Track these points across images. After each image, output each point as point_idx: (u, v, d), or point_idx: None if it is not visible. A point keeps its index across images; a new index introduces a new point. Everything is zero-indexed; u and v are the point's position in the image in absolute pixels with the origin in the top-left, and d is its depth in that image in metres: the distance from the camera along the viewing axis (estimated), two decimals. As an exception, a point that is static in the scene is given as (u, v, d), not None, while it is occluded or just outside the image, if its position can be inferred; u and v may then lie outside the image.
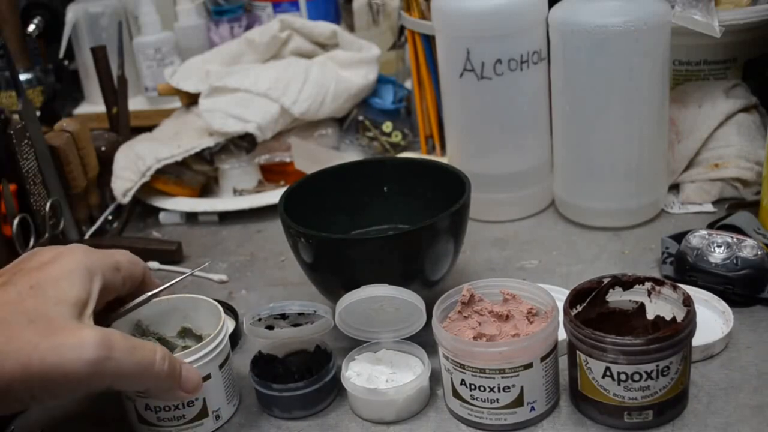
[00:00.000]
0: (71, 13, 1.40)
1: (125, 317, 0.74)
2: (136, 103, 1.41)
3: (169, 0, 1.44)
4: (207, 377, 0.72)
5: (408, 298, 0.74)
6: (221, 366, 0.74)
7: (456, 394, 0.71)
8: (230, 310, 0.90)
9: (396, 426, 0.73)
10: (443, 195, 0.84)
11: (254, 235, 1.10)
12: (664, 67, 0.94)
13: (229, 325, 0.88)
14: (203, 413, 0.73)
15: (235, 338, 0.87)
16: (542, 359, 0.68)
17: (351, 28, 1.43)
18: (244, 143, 1.18)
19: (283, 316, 0.76)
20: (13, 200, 0.96)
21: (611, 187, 0.99)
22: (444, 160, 1.10)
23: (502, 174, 1.04)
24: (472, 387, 0.69)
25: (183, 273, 0.76)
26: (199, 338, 0.78)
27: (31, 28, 1.40)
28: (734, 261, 0.82)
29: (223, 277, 0.99)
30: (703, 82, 1.10)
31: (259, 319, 0.75)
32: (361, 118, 1.24)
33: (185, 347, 0.78)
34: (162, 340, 0.78)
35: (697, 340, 0.72)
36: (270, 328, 0.77)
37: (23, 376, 0.57)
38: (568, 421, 0.71)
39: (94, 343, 0.59)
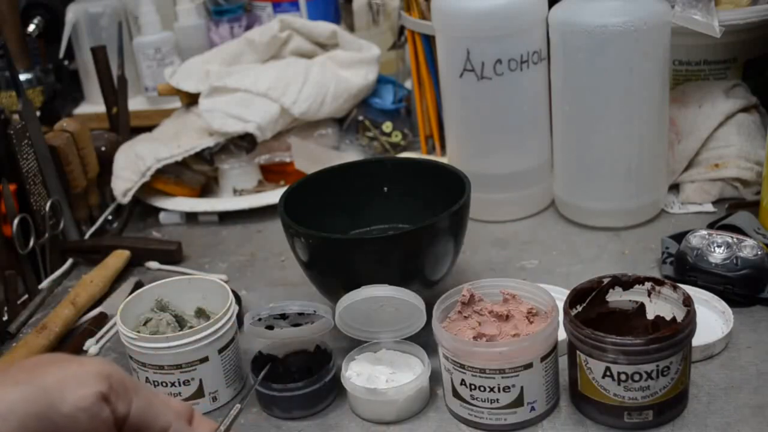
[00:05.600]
0: (71, 13, 1.40)
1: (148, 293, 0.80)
2: (136, 103, 1.41)
3: (169, 0, 1.44)
4: (205, 359, 0.75)
5: (408, 298, 0.74)
6: (221, 351, 0.76)
7: (456, 394, 0.71)
8: (235, 297, 0.91)
9: (396, 426, 0.73)
10: (443, 195, 0.84)
11: (254, 235, 1.10)
12: (664, 67, 0.94)
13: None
14: (199, 393, 0.76)
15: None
16: (542, 359, 0.68)
17: (351, 28, 1.43)
18: (244, 143, 1.18)
19: (283, 316, 0.76)
20: (13, 200, 0.96)
21: (611, 187, 0.99)
22: (444, 160, 1.10)
23: (502, 174, 1.04)
24: (472, 387, 0.69)
25: (183, 273, 0.78)
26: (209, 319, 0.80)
27: (31, 28, 1.40)
28: (734, 261, 0.82)
29: (223, 277, 0.99)
30: (703, 82, 1.10)
31: (259, 319, 0.75)
32: (361, 118, 1.24)
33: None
34: (179, 318, 0.81)
35: (697, 340, 0.72)
36: (270, 328, 0.77)
37: None
38: (568, 421, 0.71)
39: None
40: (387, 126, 1.23)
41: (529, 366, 0.68)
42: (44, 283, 1.00)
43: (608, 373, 0.67)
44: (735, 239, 0.84)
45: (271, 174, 1.21)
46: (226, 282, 0.99)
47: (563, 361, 0.73)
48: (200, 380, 0.76)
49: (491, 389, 0.69)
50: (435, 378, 0.75)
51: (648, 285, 0.73)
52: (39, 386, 0.41)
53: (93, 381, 0.41)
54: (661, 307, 0.73)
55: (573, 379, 0.71)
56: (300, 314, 0.76)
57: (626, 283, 0.74)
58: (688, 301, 0.69)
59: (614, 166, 0.98)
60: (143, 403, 0.43)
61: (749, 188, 1.01)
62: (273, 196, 1.13)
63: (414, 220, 0.88)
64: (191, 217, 1.15)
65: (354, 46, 1.26)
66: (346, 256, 0.79)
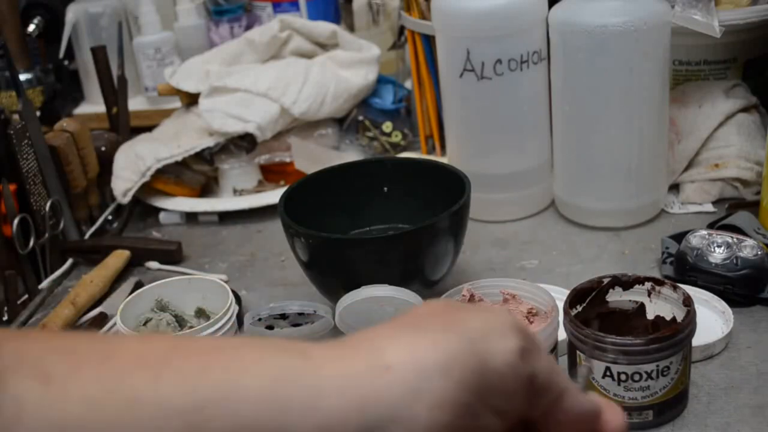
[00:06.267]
0: (71, 13, 1.40)
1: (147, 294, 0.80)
2: (136, 103, 1.40)
3: (169, 0, 1.44)
4: None
5: (408, 298, 0.74)
6: None
7: (456, 394, 0.71)
8: (235, 297, 0.91)
9: (396, 426, 0.73)
10: (443, 195, 0.84)
11: (254, 235, 1.10)
12: (664, 67, 0.94)
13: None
14: None
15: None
16: (542, 359, 0.68)
17: (351, 28, 1.43)
18: (244, 143, 1.18)
19: (283, 316, 0.76)
20: (13, 200, 0.96)
21: (611, 187, 0.99)
22: (444, 160, 1.10)
23: (502, 174, 1.04)
24: (472, 387, 0.69)
25: (183, 273, 0.78)
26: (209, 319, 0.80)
27: (31, 28, 1.40)
28: (734, 261, 0.82)
29: (223, 277, 0.99)
30: (703, 82, 1.10)
31: (259, 319, 0.76)
32: (361, 118, 1.24)
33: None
34: (179, 318, 0.81)
35: (697, 340, 0.72)
36: (270, 328, 0.77)
37: None
38: (568, 421, 0.71)
39: None
40: (387, 126, 1.23)
41: (529, 366, 0.68)
42: (44, 283, 1.00)
43: (608, 373, 0.67)
44: (735, 239, 0.84)
45: (271, 174, 1.21)
46: (226, 282, 0.99)
47: (563, 361, 0.72)
48: None
49: (491, 389, 0.68)
50: (435, 378, 0.75)
51: (648, 285, 0.73)
52: (468, 337, 0.34)
53: (514, 334, 0.35)
54: (661, 307, 0.73)
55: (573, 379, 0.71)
56: (300, 314, 0.76)
57: (626, 283, 0.73)
58: (688, 301, 0.69)
59: (614, 166, 0.98)
60: (548, 361, 0.37)
61: (749, 188, 1.01)
62: (273, 196, 1.13)
63: (414, 220, 0.88)
64: (191, 217, 1.15)
65: (354, 46, 1.25)
66: (346, 256, 0.79)
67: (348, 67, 1.23)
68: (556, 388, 0.37)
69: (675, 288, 0.71)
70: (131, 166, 1.13)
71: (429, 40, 1.13)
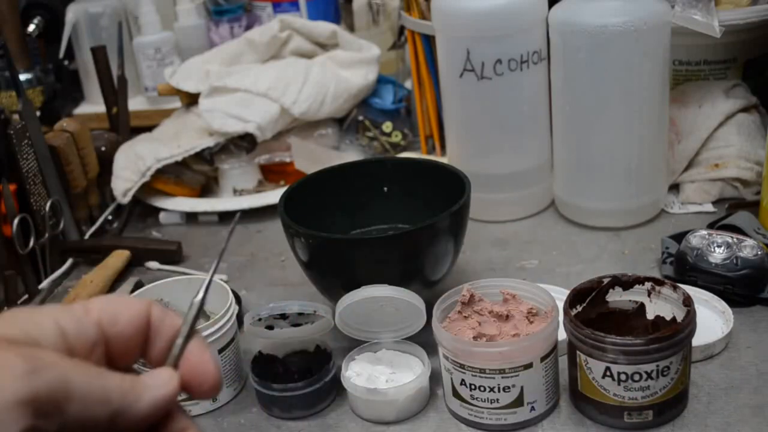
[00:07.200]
0: (71, 13, 1.40)
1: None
2: (136, 103, 1.41)
3: (169, 0, 1.44)
4: None
5: (408, 298, 0.74)
6: (221, 351, 0.76)
7: (456, 394, 0.71)
8: (235, 297, 0.91)
9: (396, 426, 0.73)
10: (443, 195, 0.84)
11: (254, 235, 1.10)
12: (664, 67, 0.94)
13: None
14: None
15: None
16: (542, 359, 0.68)
17: (351, 28, 1.43)
18: (244, 143, 1.18)
19: (283, 316, 0.76)
20: (13, 200, 0.96)
21: (611, 187, 0.99)
22: (444, 160, 1.10)
23: (502, 174, 1.04)
24: (472, 387, 0.69)
25: (183, 273, 0.78)
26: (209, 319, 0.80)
27: (31, 28, 1.40)
28: (734, 261, 0.82)
29: (223, 277, 0.99)
30: (703, 82, 1.10)
31: (259, 319, 0.75)
32: (361, 118, 1.24)
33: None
34: None
35: (697, 340, 0.72)
36: (270, 328, 0.77)
37: None
38: (568, 421, 0.71)
39: None
40: (387, 126, 1.23)
41: (529, 366, 0.68)
42: (44, 283, 1.00)
43: (608, 373, 0.67)
44: (735, 239, 0.84)
45: (271, 174, 1.21)
46: (226, 282, 0.99)
47: (563, 361, 0.73)
48: None
49: (491, 389, 0.69)
50: (435, 378, 0.75)
51: (648, 285, 0.73)
52: None
53: (12, 419, 0.30)
54: (661, 307, 0.73)
55: (573, 379, 0.71)
56: (300, 314, 0.76)
57: (626, 283, 0.74)
58: (688, 301, 0.69)
59: (614, 166, 0.98)
60: (80, 405, 0.33)
61: (749, 188, 1.01)
62: (273, 196, 1.13)
63: (414, 220, 0.88)
64: (191, 217, 1.15)
65: (354, 46, 1.26)
66: (346, 256, 0.79)
67: (348, 67, 1.23)
68: (97, 418, 0.33)
69: (675, 288, 0.71)
70: (131, 166, 1.13)
71: (429, 40, 1.13)
